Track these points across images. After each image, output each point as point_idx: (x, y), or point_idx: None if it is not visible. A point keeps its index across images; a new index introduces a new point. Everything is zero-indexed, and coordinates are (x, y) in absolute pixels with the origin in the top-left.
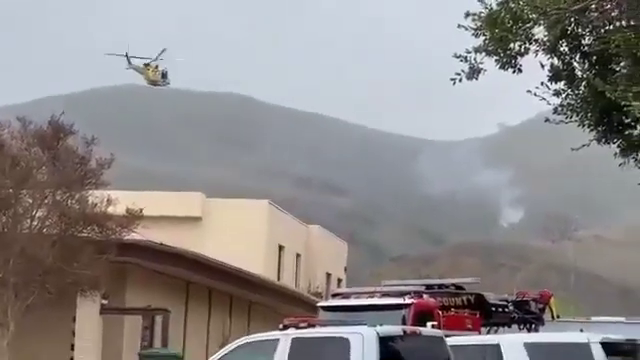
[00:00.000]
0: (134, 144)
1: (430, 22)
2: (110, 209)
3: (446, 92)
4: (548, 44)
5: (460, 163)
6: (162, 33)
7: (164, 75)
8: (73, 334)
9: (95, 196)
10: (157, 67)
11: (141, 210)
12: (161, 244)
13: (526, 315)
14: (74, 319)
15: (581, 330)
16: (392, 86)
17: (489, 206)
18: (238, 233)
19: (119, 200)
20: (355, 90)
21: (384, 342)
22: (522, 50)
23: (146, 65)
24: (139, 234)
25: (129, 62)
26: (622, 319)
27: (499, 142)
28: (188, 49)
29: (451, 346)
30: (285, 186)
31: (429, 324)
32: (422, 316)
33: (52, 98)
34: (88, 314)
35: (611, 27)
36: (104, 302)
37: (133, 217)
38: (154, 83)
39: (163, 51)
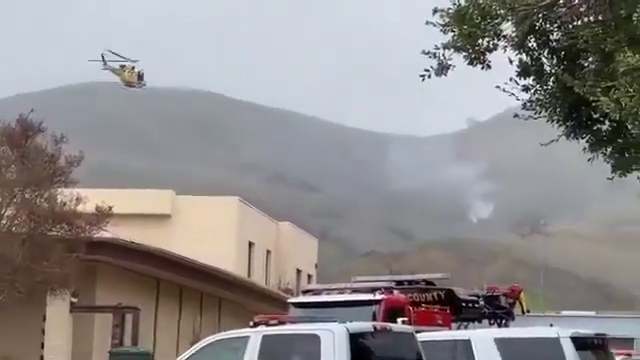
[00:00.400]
0: (107, 142)
1: (399, 19)
2: (80, 207)
3: (415, 88)
4: (516, 40)
5: (429, 158)
6: (137, 32)
7: (140, 77)
8: (43, 333)
9: (64, 194)
10: (133, 69)
11: (110, 208)
12: (131, 242)
13: (496, 310)
14: (44, 318)
15: (551, 325)
16: (361, 82)
17: (459, 201)
18: (208, 230)
19: (89, 198)
20: (324, 87)
21: (355, 338)
22: (490, 46)
23: (122, 66)
24: (109, 232)
25: (104, 62)
26: (592, 313)
27: (468, 137)
28: (162, 47)
29: (422, 342)
30: (256, 183)
31: (400, 320)
32: (393, 312)
33: (22, 96)
34: (58, 312)
35: (579, 23)
36: (74, 300)
37: (103, 215)
38: (130, 84)
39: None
